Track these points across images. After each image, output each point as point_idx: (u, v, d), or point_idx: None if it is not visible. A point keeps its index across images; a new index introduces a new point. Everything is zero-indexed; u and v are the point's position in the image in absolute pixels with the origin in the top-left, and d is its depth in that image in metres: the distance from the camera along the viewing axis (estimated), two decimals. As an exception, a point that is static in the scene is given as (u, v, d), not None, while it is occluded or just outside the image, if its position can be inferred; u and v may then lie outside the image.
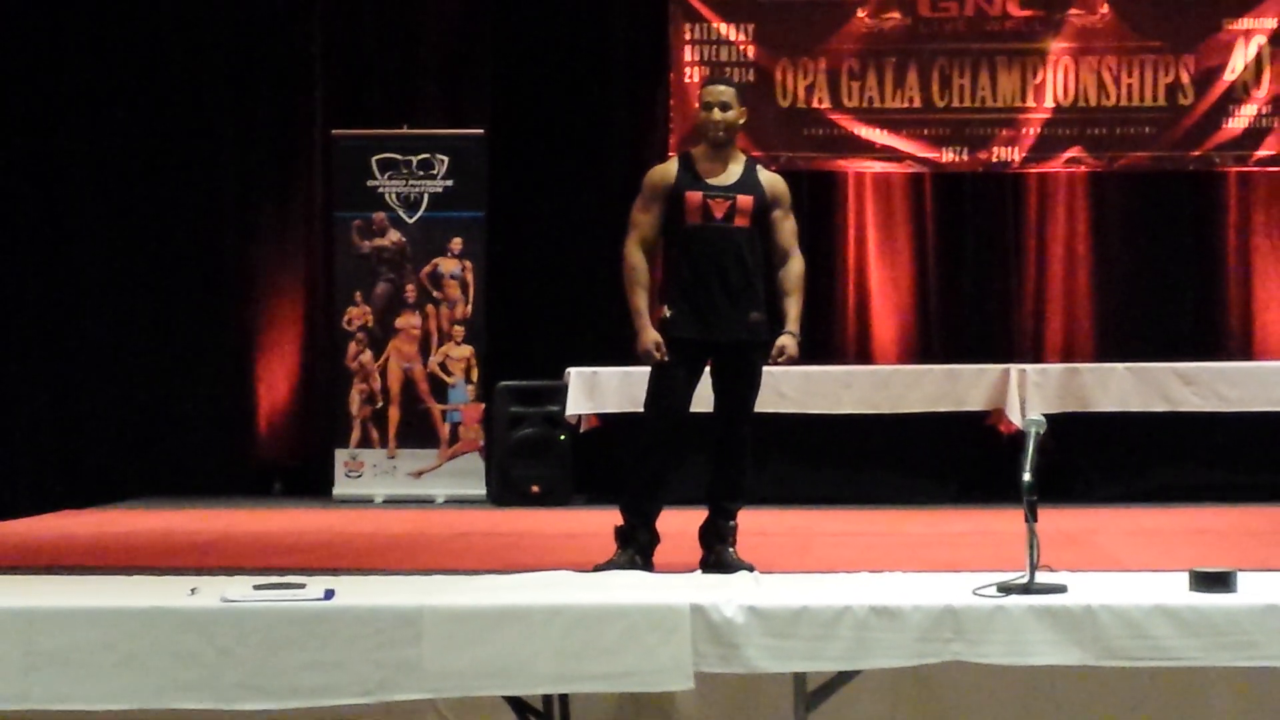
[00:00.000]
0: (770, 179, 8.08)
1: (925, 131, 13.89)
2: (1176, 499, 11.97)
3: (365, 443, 13.16)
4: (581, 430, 12.45)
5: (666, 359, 7.84)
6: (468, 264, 13.23)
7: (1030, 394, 12.15)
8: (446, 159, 13.24)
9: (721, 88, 8.06)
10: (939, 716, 6.66)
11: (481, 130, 13.40)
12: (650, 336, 7.84)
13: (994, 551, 8.23)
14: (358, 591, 6.52)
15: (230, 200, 14.01)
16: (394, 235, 13.24)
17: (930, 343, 13.98)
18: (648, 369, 8.01)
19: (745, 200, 7.90)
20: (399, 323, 13.22)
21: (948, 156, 13.88)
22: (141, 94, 13.79)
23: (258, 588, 6.49)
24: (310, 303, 14.02)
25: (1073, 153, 13.82)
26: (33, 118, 13.71)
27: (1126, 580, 6.75)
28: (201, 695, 6.07)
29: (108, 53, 13.74)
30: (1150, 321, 13.81)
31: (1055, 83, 13.80)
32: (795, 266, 8.07)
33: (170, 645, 6.10)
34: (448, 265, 13.24)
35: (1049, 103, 13.80)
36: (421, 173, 13.24)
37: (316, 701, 6.08)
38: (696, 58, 13.89)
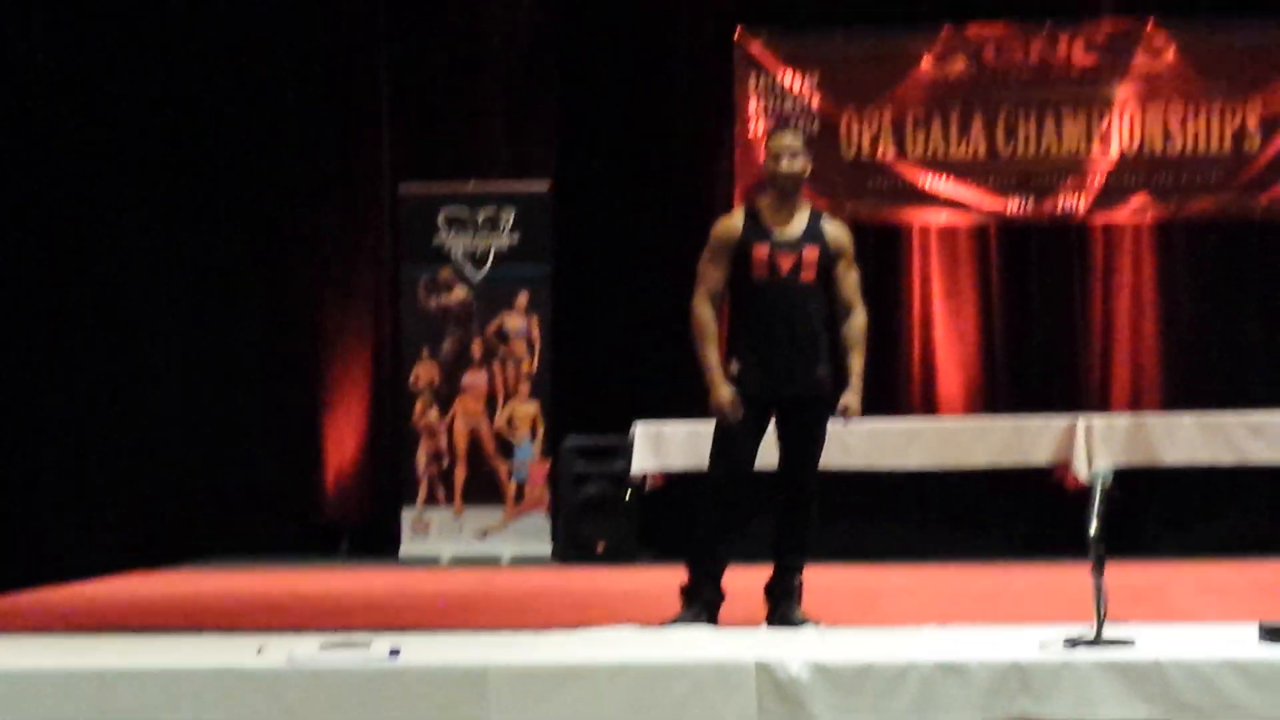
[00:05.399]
0: (835, 230, 8.05)
1: (990, 180, 13.87)
2: (1245, 552, 11.86)
3: (432, 501, 13.19)
4: (647, 489, 12.44)
5: (741, 417, 7.81)
6: (534, 319, 13.26)
7: (1097, 446, 12.09)
8: (513, 213, 13.28)
9: (789, 137, 8.05)
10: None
11: (547, 183, 13.45)
12: (725, 394, 7.81)
13: (1061, 606, 8.17)
14: (424, 650, 6.54)
15: (298, 255, 14.08)
16: (460, 292, 13.28)
17: (996, 394, 13.91)
18: (713, 426, 7.99)
19: (811, 253, 7.88)
20: (465, 380, 13.25)
21: (1013, 206, 13.86)
22: (209, 149, 13.88)
23: (324, 647, 6.52)
24: (377, 360, 14.06)
25: (1138, 200, 13.78)
26: (101, 178, 13.81)
27: (1195, 633, 6.71)
28: (268, 756, 6.09)
29: (175, 109, 13.83)
30: (1218, 371, 13.70)
31: (1121, 130, 13.77)
32: (859, 320, 8.04)
33: (238, 705, 6.13)
34: (513, 321, 13.27)
35: (1114, 150, 13.77)
36: (488, 228, 13.29)
37: (382, 761, 6.09)
38: (761, 108, 13.92)
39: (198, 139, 13.89)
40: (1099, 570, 6.17)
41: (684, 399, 11.48)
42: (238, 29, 13.97)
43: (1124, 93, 13.77)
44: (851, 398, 7.92)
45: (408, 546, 13.16)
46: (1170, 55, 13.74)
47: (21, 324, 13.62)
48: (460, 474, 13.19)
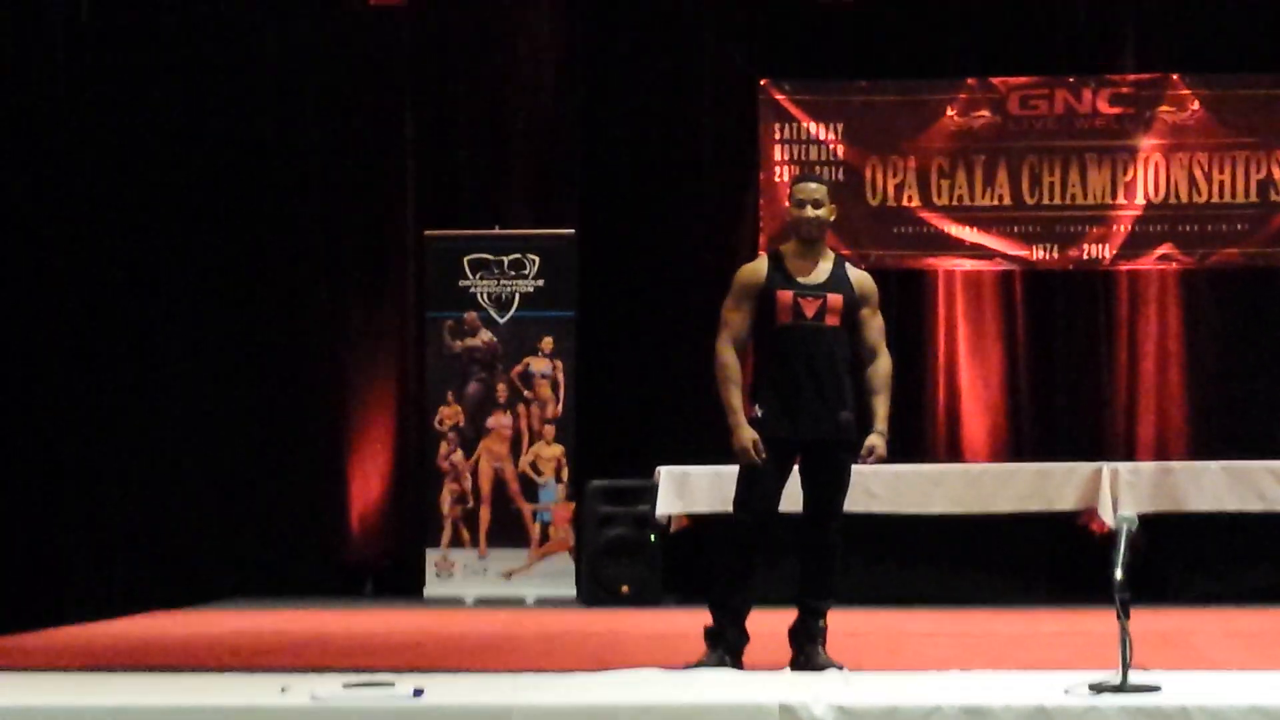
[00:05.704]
0: (859, 277, 8.08)
1: (1015, 229, 13.89)
2: (1272, 599, 11.83)
3: (456, 543, 13.20)
4: (672, 530, 12.45)
5: (764, 458, 7.82)
6: (558, 363, 13.29)
7: (1123, 493, 12.08)
8: (537, 259, 13.33)
9: (813, 185, 8.07)
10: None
11: (572, 230, 13.49)
12: (747, 434, 7.82)
13: (1086, 651, 8.16)
14: (447, 690, 6.54)
15: (324, 300, 14.13)
16: (485, 335, 13.32)
17: (1021, 441, 13.91)
18: (738, 469, 7.99)
19: (835, 299, 7.90)
20: (490, 422, 13.28)
21: (1038, 254, 13.86)
22: (236, 195, 13.94)
23: (347, 686, 6.53)
24: (402, 402, 14.10)
25: (1164, 250, 13.78)
26: (128, 219, 13.87)
27: (1222, 680, 6.69)
28: (291, 794, 6.09)
29: (205, 153, 13.90)
30: (1244, 419, 13.68)
31: (1146, 180, 13.78)
32: (883, 365, 8.05)
33: (261, 744, 6.13)
34: (539, 365, 13.30)
35: (1139, 200, 13.78)
36: (513, 273, 13.34)
37: (405, 801, 6.08)
38: (786, 157, 13.95)
39: (225, 188, 13.94)
40: (1124, 615, 6.15)
41: (707, 443, 11.49)
42: (263, 78, 14.05)
43: (1149, 143, 13.79)
44: (877, 439, 7.92)
45: (432, 587, 13.17)
46: (1195, 107, 13.75)
47: (46, 363, 13.67)
48: (485, 515, 13.20)
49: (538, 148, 14.23)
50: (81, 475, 13.78)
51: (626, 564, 12.59)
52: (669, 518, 12.41)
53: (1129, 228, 13.80)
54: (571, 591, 12.97)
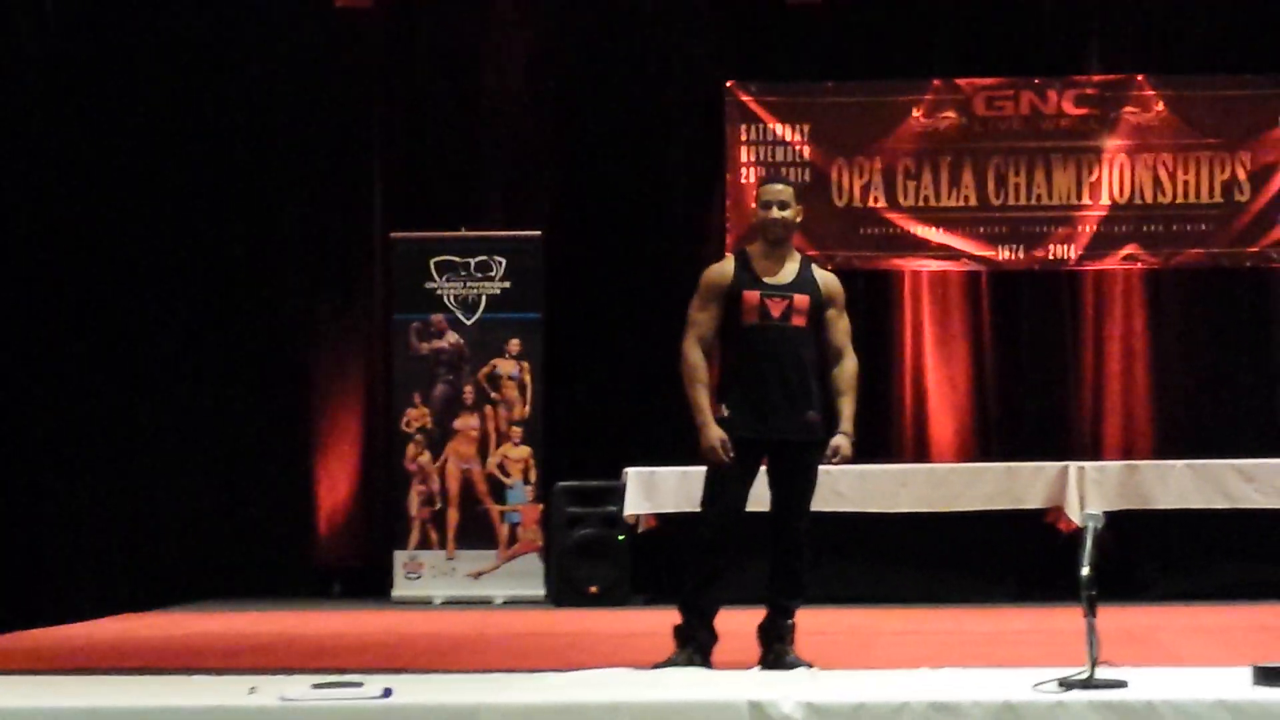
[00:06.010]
0: (825, 278, 8.11)
1: (981, 230, 13.91)
2: (1238, 596, 11.89)
3: (424, 544, 13.19)
4: (639, 531, 12.46)
5: (731, 458, 7.84)
6: (525, 365, 13.29)
7: (1089, 491, 12.12)
8: (504, 261, 13.33)
9: (779, 186, 8.09)
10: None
11: (539, 232, 13.49)
12: (715, 434, 7.84)
13: (1055, 649, 8.19)
14: (416, 690, 6.54)
15: (290, 302, 14.11)
16: (452, 337, 13.32)
17: (988, 441, 13.95)
18: (705, 469, 8.01)
19: (802, 300, 7.93)
20: (457, 424, 13.27)
21: (1004, 255, 13.89)
22: (205, 196, 13.91)
23: (316, 686, 6.52)
24: (369, 405, 14.09)
25: (1129, 250, 13.82)
26: (99, 225, 13.83)
27: (1188, 676, 6.72)
28: (261, 794, 6.08)
29: (168, 155, 13.86)
30: (1209, 418, 13.75)
31: (1111, 180, 13.82)
32: (849, 366, 8.08)
33: (230, 745, 6.13)
34: (506, 366, 13.30)
35: (1105, 200, 13.81)
36: (480, 275, 13.33)
37: (375, 800, 6.08)
38: (753, 158, 13.96)
39: (189, 189, 13.91)
40: (1091, 611, 6.18)
41: (675, 444, 11.50)
42: (227, 79, 14.01)
43: (1114, 144, 13.82)
44: (842, 440, 7.94)
45: (400, 589, 13.16)
46: (1160, 107, 13.79)
47: (22, 369, 13.64)
48: (453, 517, 13.20)
49: (505, 150, 14.22)
50: (50, 480, 13.74)
51: (595, 564, 12.60)
52: (637, 518, 12.42)
53: (1094, 228, 13.83)
54: (540, 592, 12.98)
